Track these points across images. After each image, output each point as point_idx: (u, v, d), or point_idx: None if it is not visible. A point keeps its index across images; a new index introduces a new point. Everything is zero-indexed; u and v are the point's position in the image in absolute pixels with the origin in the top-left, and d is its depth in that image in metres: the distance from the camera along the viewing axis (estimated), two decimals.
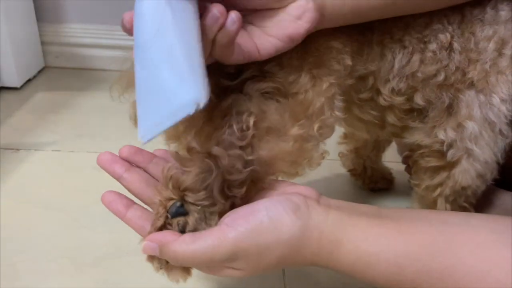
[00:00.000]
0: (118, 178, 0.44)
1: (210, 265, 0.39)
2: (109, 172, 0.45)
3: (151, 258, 0.40)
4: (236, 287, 0.59)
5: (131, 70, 0.42)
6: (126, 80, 0.44)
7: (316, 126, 0.43)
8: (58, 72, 1.21)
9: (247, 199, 0.40)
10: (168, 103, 0.33)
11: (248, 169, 0.39)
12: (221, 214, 0.39)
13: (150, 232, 0.39)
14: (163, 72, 0.33)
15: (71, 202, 0.73)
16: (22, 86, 1.09)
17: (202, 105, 0.32)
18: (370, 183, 0.80)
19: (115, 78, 0.46)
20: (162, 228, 0.39)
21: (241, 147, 0.39)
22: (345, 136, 0.78)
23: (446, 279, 0.35)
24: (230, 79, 0.42)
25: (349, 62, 0.45)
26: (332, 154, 0.82)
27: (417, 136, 0.52)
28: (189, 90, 0.32)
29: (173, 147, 0.48)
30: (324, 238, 0.38)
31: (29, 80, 1.13)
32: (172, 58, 0.33)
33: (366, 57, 0.47)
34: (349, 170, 0.81)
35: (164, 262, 0.40)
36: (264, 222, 0.37)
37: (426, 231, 0.38)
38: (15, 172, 0.79)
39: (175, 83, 0.33)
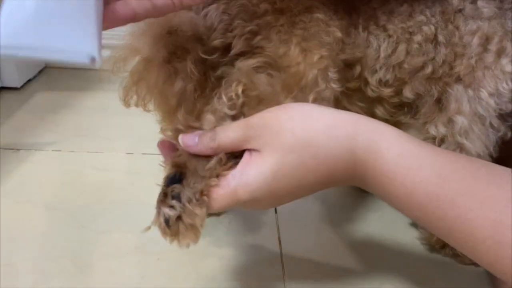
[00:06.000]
0: None
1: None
2: None
3: (165, 234, 0.40)
4: (235, 287, 0.59)
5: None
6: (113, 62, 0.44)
7: (311, 98, 0.43)
8: (58, 72, 1.20)
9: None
10: (60, 39, 0.32)
11: None
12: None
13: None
14: (70, 8, 0.32)
15: (71, 202, 0.73)
16: (22, 86, 1.09)
17: (96, 62, 0.33)
18: None
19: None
20: (161, 201, 0.39)
21: (232, 117, 0.40)
22: None
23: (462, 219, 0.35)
24: (219, 55, 0.43)
25: (339, 34, 0.45)
26: None
27: (410, 133, 0.52)
28: (87, 42, 0.33)
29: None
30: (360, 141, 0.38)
31: (29, 80, 1.13)
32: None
33: (354, 40, 0.47)
34: None
35: (174, 233, 0.40)
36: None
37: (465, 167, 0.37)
38: (15, 172, 0.79)
39: (77, 25, 0.32)
